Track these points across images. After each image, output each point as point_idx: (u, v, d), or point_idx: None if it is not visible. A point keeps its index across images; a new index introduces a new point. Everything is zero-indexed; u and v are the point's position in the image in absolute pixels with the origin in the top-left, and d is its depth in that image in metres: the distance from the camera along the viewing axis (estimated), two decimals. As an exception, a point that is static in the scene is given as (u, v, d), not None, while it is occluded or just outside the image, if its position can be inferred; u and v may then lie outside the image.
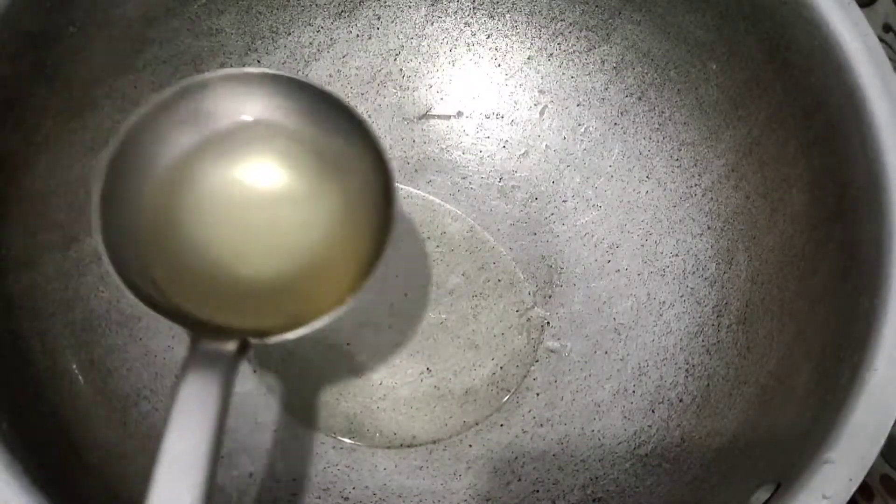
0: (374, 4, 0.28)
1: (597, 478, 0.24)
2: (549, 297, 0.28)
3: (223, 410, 0.17)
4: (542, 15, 0.28)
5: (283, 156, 0.22)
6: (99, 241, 0.19)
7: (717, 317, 0.25)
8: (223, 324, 0.19)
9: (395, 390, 0.26)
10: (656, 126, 0.28)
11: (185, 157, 0.21)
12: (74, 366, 0.23)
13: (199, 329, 0.19)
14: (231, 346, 0.18)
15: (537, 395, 0.26)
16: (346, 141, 0.21)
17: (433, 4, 0.29)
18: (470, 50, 0.29)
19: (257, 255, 0.21)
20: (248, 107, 0.21)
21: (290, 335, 0.19)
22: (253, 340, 0.19)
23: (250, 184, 0.21)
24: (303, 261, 0.21)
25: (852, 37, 0.21)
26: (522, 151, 0.29)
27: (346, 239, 0.21)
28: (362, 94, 0.29)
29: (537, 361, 0.27)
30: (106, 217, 0.19)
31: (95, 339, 0.24)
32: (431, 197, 0.29)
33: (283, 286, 0.21)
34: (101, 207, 0.19)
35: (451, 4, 0.29)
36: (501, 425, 0.26)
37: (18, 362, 0.21)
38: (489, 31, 0.29)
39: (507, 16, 0.29)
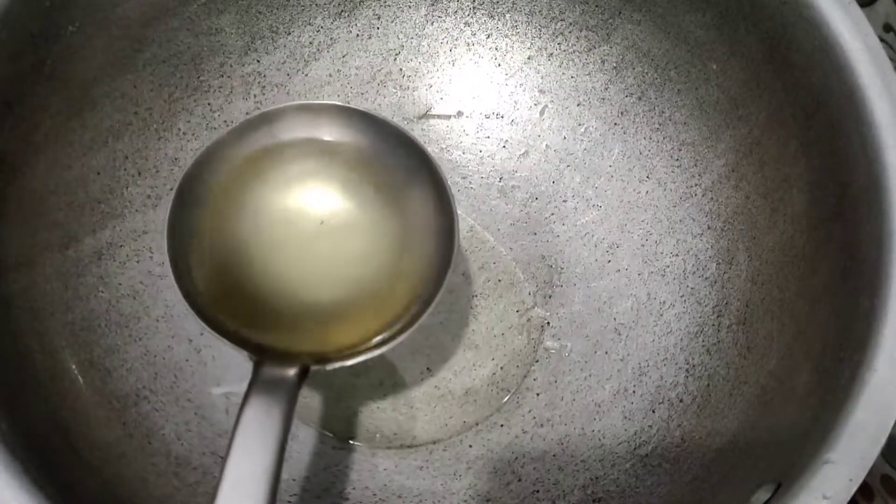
0: (374, 4, 0.28)
1: (597, 478, 0.24)
2: (549, 297, 0.28)
3: (284, 435, 0.18)
4: (542, 15, 0.28)
5: (347, 185, 0.22)
6: (169, 266, 0.20)
7: (718, 317, 0.25)
8: (284, 349, 0.20)
9: (394, 390, 0.26)
10: (656, 126, 0.27)
11: (251, 185, 0.22)
12: (74, 366, 0.23)
13: (262, 354, 0.19)
14: (292, 371, 0.19)
15: (537, 395, 0.26)
16: (411, 175, 0.22)
17: (433, 4, 0.29)
18: (470, 50, 0.29)
19: (318, 282, 0.21)
20: (315, 136, 0.22)
21: (349, 362, 0.20)
22: (313, 367, 0.19)
23: (313, 212, 0.22)
24: (362, 290, 0.21)
25: (853, 36, 0.21)
26: (522, 151, 0.29)
27: (406, 271, 0.21)
28: (362, 93, 0.29)
29: (537, 361, 0.27)
30: (173, 241, 0.20)
31: (95, 340, 0.24)
32: (431, 197, 0.29)
33: (342, 314, 0.21)
34: (169, 232, 0.20)
35: (451, 4, 0.29)
36: (501, 425, 0.26)
37: (17, 363, 0.21)
38: (489, 31, 0.29)
39: (507, 15, 0.29)
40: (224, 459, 0.17)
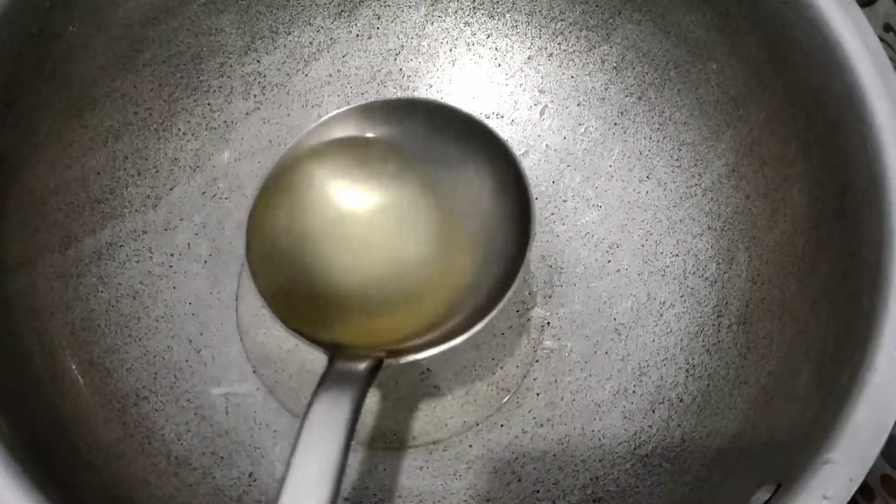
0: (374, 4, 0.28)
1: (597, 478, 0.24)
2: (549, 297, 0.28)
3: (352, 427, 0.18)
4: (542, 14, 0.28)
5: (416, 177, 0.22)
6: (249, 269, 0.21)
7: (718, 317, 0.25)
8: (358, 344, 0.20)
9: (395, 391, 0.26)
10: (656, 126, 0.27)
11: (317, 185, 0.22)
12: (74, 366, 0.23)
13: (336, 351, 0.20)
14: (363, 365, 0.19)
15: (537, 395, 0.26)
16: (479, 159, 0.22)
17: (433, 4, 0.29)
18: (470, 50, 0.29)
19: (391, 276, 0.22)
20: (374, 132, 0.22)
21: (422, 355, 0.20)
22: (386, 361, 0.19)
23: (384, 207, 0.22)
24: (436, 282, 0.21)
25: (853, 36, 0.21)
26: (522, 151, 0.29)
27: (481, 257, 0.21)
28: (362, 93, 0.29)
29: (537, 361, 0.27)
30: (252, 244, 0.21)
31: (94, 340, 0.24)
32: (431, 197, 0.29)
33: (415, 307, 0.21)
34: (248, 235, 0.21)
35: (451, 4, 0.29)
36: (501, 425, 0.26)
37: (17, 363, 0.21)
38: (489, 31, 0.29)
39: (508, 15, 0.29)
40: (293, 448, 0.17)
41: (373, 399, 0.26)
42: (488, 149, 0.21)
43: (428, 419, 0.26)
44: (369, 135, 0.22)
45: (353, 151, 0.22)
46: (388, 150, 0.22)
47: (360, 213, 0.22)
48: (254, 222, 0.21)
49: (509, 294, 0.20)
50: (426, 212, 0.22)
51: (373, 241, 0.22)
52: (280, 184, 0.22)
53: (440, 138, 0.22)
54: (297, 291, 0.21)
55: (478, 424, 0.26)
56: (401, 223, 0.22)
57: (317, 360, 0.26)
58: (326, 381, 0.19)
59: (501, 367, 0.27)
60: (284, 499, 0.16)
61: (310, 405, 0.18)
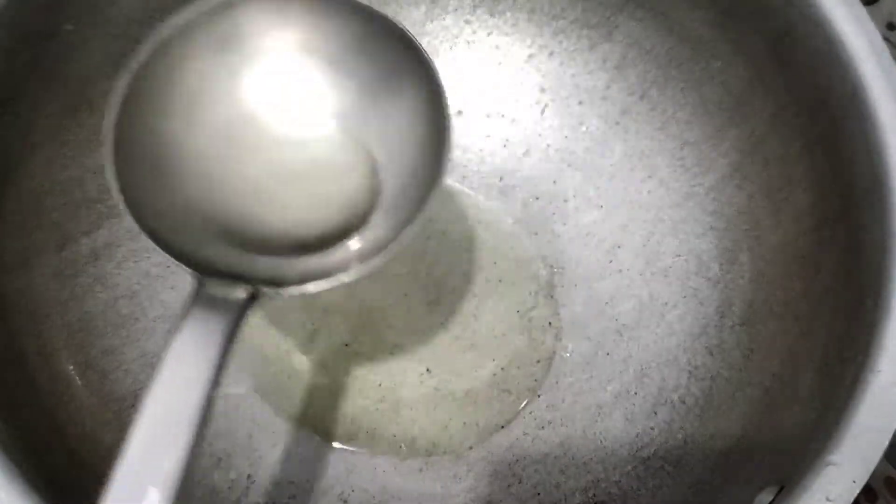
0: (372, 1, 0.28)
1: (599, 480, 0.24)
2: (550, 297, 0.28)
3: (221, 364, 0.16)
4: (543, 12, 0.28)
5: (322, 87, 0.19)
6: (109, 170, 0.17)
7: (720, 318, 0.25)
8: (235, 269, 0.17)
9: (394, 392, 0.26)
10: (659, 125, 0.27)
11: (205, 85, 0.19)
12: (71, 368, 0.23)
13: (207, 272, 0.17)
14: (240, 293, 0.17)
15: (538, 396, 0.26)
16: (399, 76, 0.19)
17: (433, 1, 0.28)
18: (470, 48, 0.29)
19: (281, 197, 0.19)
20: (286, 33, 0.19)
21: (309, 288, 0.17)
22: (265, 290, 0.17)
23: (278, 119, 0.19)
24: (331, 209, 0.19)
25: (856, 35, 0.21)
26: (523, 150, 0.29)
27: (385, 187, 0.19)
28: (361, 92, 0.29)
29: (538, 363, 0.27)
30: (118, 146, 0.17)
31: (92, 341, 0.24)
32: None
33: (306, 233, 0.19)
34: (114, 136, 0.17)
35: (451, 2, 0.28)
36: (502, 427, 0.26)
37: (14, 364, 0.21)
38: (490, 29, 0.29)
39: (508, 13, 0.28)
40: (149, 385, 0.15)
41: (372, 400, 0.26)
42: (413, 63, 0.19)
43: (428, 421, 0.26)
44: (288, 34, 0.19)
45: (262, 52, 0.19)
46: (305, 54, 0.19)
47: (262, 126, 0.19)
48: (124, 113, 0.18)
49: (409, 232, 0.17)
50: (338, 132, 0.19)
51: (261, 149, 0.19)
52: (157, 73, 0.18)
53: (361, 45, 0.19)
54: (166, 201, 0.18)
55: (478, 426, 0.26)
56: (298, 128, 0.19)
57: (315, 361, 0.26)
58: (193, 307, 0.16)
59: (502, 368, 0.27)
60: (135, 439, 0.15)
61: (173, 335, 0.16)
